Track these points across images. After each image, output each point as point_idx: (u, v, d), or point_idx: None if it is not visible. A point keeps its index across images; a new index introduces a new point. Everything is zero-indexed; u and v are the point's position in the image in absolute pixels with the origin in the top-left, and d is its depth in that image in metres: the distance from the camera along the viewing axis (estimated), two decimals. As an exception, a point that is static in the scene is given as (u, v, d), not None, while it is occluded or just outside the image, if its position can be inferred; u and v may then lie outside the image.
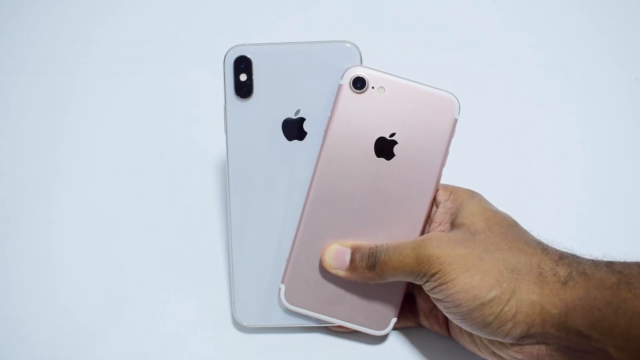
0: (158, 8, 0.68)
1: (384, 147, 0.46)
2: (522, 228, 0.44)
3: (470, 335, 0.45)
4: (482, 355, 0.45)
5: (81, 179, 0.58)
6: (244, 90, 0.47)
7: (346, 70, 0.45)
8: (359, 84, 0.45)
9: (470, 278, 0.41)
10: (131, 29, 0.67)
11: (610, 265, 0.40)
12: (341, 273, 0.46)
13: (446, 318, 0.46)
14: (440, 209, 0.46)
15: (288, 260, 0.47)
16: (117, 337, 0.50)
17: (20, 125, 0.61)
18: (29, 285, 0.52)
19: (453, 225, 0.45)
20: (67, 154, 0.59)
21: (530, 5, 0.68)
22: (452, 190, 0.47)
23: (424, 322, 0.49)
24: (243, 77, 0.47)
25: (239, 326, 0.50)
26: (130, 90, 0.63)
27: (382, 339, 0.49)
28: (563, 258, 0.42)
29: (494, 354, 0.44)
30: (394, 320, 0.47)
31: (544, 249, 0.43)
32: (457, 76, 0.62)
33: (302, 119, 0.47)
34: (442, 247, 0.42)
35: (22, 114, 0.62)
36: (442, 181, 0.47)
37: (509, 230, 0.44)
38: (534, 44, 0.66)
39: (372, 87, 0.45)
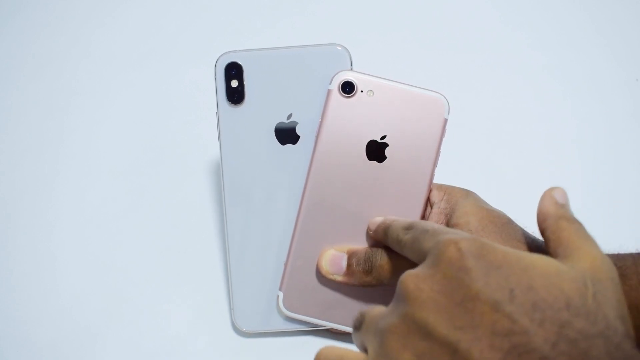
0: (158, 8, 0.68)
1: (376, 150, 0.46)
2: (516, 225, 0.45)
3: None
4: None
5: (81, 179, 0.58)
6: (235, 96, 0.47)
7: (334, 75, 0.46)
8: (347, 88, 0.45)
9: None
10: (131, 30, 0.67)
11: None
12: (338, 278, 0.46)
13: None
14: (435, 210, 0.46)
15: (285, 267, 0.47)
16: (117, 339, 0.50)
17: (21, 125, 0.61)
18: (29, 286, 0.52)
19: (448, 225, 0.45)
20: (67, 154, 0.59)
21: (530, 6, 0.68)
22: (447, 190, 0.47)
23: (423, 321, 0.49)
24: (234, 84, 0.47)
25: (239, 330, 0.50)
26: (130, 91, 0.63)
27: (381, 341, 0.49)
28: None
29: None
30: (393, 322, 0.47)
31: (538, 246, 0.43)
32: (456, 77, 0.62)
33: (295, 123, 0.47)
34: None
35: (22, 114, 0.62)
36: (443, 181, 0.47)
37: (503, 229, 0.44)
38: (534, 44, 0.65)
39: (361, 91, 0.45)
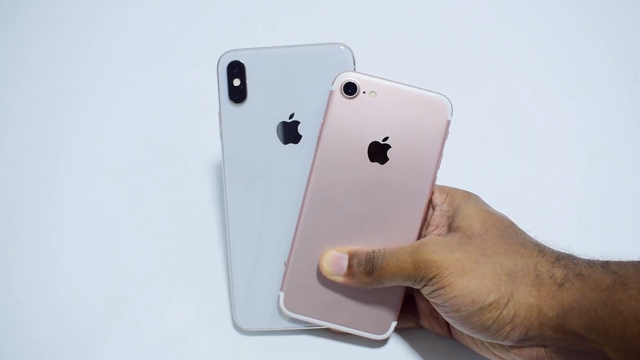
0: (158, 8, 0.69)
1: (378, 152, 0.45)
2: (518, 229, 0.44)
3: (471, 336, 0.45)
4: (484, 356, 0.45)
5: (81, 179, 0.58)
6: (237, 95, 0.47)
7: (337, 76, 0.45)
8: (349, 89, 0.45)
9: (467, 282, 0.41)
10: (131, 30, 0.67)
11: (605, 265, 0.40)
12: (339, 279, 0.46)
13: (446, 319, 0.47)
14: (437, 212, 0.46)
15: (286, 267, 0.47)
16: (117, 339, 0.50)
17: (21, 125, 0.61)
18: (29, 286, 0.52)
19: (450, 228, 0.45)
20: (67, 154, 0.59)
21: (530, 6, 0.68)
22: (449, 193, 0.47)
23: (425, 323, 0.49)
24: (237, 82, 0.47)
25: (239, 329, 0.50)
26: (130, 91, 0.63)
27: (382, 342, 0.49)
28: (559, 259, 0.42)
29: (495, 355, 0.44)
30: (394, 323, 0.47)
31: (541, 250, 0.43)
32: (456, 77, 0.62)
33: (297, 122, 0.47)
34: (439, 251, 0.42)
35: (22, 114, 0.62)
36: (443, 182, 0.47)
37: (505, 232, 0.43)
38: (533, 44, 0.65)
39: (363, 92, 0.45)
